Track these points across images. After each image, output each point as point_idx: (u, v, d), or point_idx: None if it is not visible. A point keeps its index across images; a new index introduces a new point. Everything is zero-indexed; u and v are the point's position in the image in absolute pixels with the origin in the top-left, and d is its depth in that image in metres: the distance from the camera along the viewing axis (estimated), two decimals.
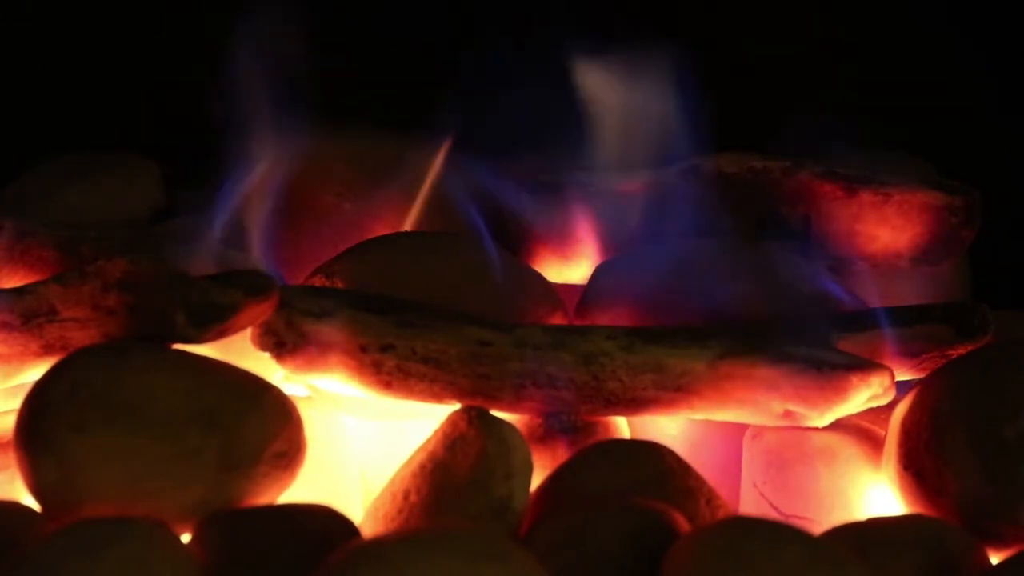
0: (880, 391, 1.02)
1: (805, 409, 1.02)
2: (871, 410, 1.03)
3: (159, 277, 0.97)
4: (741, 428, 1.07)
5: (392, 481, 0.96)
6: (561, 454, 1.01)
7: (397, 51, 1.39)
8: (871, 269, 1.20)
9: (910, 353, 1.05)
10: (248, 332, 1.01)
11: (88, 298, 0.98)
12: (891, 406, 1.03)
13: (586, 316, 1.13)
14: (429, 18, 1.41)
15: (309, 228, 1.23)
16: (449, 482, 0.92)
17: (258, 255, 1.14)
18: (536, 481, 0.94)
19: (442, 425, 0.95)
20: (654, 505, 0.90)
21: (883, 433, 1.04)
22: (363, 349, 1.01)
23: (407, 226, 1.23)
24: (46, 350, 1.00)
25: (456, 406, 0.96)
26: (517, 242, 1.23)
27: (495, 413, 0.94)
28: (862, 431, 1.06)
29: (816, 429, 1.04)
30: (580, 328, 1.06)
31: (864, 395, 1.01)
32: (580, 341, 1.02)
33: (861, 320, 1.06)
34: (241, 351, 1.01)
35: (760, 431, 1.06)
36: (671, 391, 1.02)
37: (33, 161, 1.32)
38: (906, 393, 1.02)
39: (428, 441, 0.95)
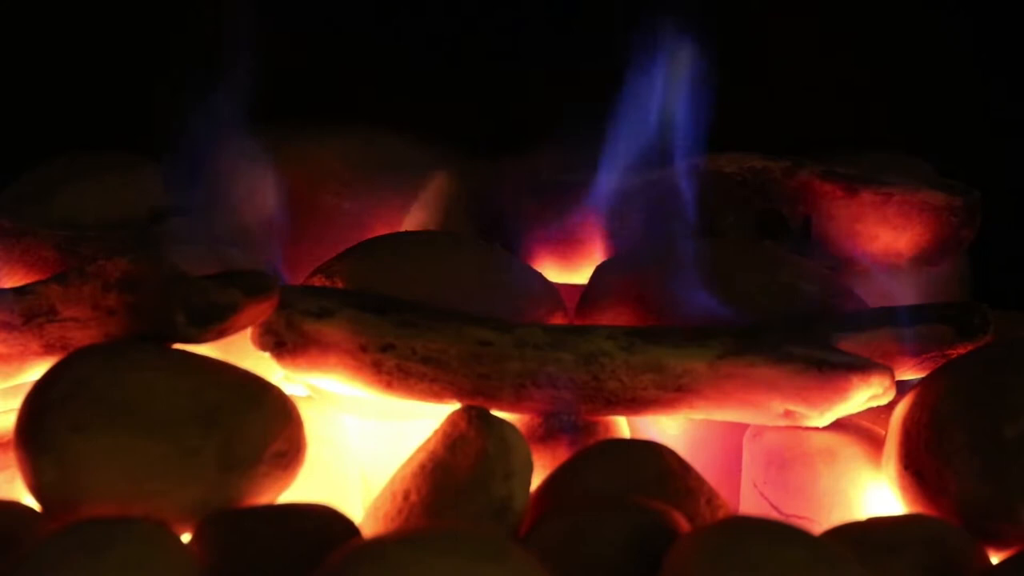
0: (880, 391, 1.02)
1: (805, 409, 1.02)
2: (871, 410, 1.03)
3: (159, 277, 0.97)
4: (741, 428, 1.07)
5: (392, 481, 0.96)
6: (561, 454, 1.01)
7: (396, 50, 1.38)
8: (871, 269, 1.20)
9: (910, 353, 1.05)
10: (248, 332, 1.01)
11: (88, 298, 0.98)
12: (891, 406, 1.03)
13: (586, 316, 1.13)
14: (428, 18, 1.41)
15: (309, 228, 1.23)
16: (449, 482, 0.92)
17: (258, 255, 1.14)
18: (536, 481, 0.94)
19: (442, 425, 0.95)
20: (654, 505, 0.90)
21: (883, 433, 1.04)
22: (363, 349, 1.01)
23: (407, 226, 1.23)
24: (46, 350, 1.00)
25: (456, 406, 0.96)
26: (517, 242, 1.23)
27: (495, 413, 0.94)
28: (862, 431, 1.06)
29: (816, 429, 1.04)
30: (580, 328, 1.06)
31: (864, 395, 1.01)
32: (580, 341, 1.02)
33: (861, 320, 1.06)
34: (241, 351, 1.01)
35: (760, 431, 1.06)
36: (671, 391, 1.02)
37: (33, 161, 1.32)
38: (906, 393, 1.02)
39: (428, 441, 0.95)
